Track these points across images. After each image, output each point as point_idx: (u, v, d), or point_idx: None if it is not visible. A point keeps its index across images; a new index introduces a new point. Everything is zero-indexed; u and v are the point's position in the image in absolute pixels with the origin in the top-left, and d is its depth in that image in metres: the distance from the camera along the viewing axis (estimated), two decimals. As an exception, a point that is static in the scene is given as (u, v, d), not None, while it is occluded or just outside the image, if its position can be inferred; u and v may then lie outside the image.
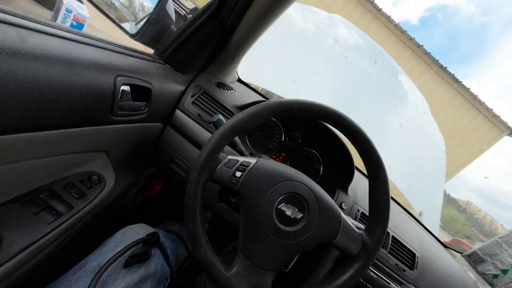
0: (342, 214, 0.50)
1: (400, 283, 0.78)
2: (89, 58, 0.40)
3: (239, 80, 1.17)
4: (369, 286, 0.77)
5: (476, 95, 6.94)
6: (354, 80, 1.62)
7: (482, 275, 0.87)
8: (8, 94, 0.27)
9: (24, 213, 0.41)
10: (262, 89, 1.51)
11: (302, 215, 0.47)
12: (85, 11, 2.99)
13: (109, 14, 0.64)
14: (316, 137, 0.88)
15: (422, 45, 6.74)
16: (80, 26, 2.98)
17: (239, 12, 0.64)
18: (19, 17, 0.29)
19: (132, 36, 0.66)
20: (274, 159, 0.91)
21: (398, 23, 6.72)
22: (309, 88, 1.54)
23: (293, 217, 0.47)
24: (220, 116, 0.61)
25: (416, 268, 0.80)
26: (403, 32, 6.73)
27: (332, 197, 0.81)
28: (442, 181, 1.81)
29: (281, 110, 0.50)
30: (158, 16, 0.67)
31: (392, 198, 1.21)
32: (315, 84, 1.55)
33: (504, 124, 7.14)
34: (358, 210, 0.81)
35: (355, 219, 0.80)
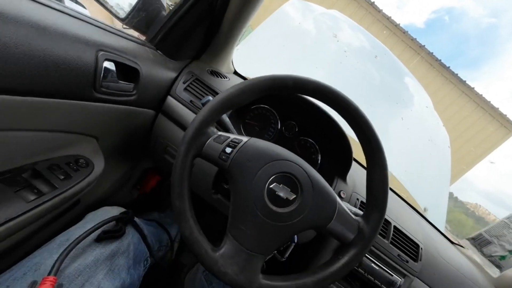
0: (338, 199, 0.48)
1: (404, 275, 0.74)
2: (67, 28, 0.39)
3: (236, 73, 1.16)
4: (371, 278, 0.73)
5: (481, 94, 6.84)
6: (354, 73, 1.60)
7: (488, 257, 0.83)
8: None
9: (2, 190, 0.39)
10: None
11: (295, 196, 0.45)
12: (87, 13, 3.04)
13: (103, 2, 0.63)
14: (313, 126, 0.86)
15: (424, 46, 6.71)
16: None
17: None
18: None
19: (122, 20, 0.65)
20: (270, 148, 0.88)
21: (399, 23, 6.72)
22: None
23: (285, 198, 0.44)
24: (210, 97, 0.60)
25: (420, 260, 0.77)
26: (405, 32, 6.72)
27: (331, 185, 0.79)
28: (448, 176, 1.76)
29: (274, 86, 0.48)
30: (147, 0, 0.67)
31: (395, 192, 1.18)
32: (314, 78, 1.53)
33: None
34: (358, 199, 0.78)
35: None
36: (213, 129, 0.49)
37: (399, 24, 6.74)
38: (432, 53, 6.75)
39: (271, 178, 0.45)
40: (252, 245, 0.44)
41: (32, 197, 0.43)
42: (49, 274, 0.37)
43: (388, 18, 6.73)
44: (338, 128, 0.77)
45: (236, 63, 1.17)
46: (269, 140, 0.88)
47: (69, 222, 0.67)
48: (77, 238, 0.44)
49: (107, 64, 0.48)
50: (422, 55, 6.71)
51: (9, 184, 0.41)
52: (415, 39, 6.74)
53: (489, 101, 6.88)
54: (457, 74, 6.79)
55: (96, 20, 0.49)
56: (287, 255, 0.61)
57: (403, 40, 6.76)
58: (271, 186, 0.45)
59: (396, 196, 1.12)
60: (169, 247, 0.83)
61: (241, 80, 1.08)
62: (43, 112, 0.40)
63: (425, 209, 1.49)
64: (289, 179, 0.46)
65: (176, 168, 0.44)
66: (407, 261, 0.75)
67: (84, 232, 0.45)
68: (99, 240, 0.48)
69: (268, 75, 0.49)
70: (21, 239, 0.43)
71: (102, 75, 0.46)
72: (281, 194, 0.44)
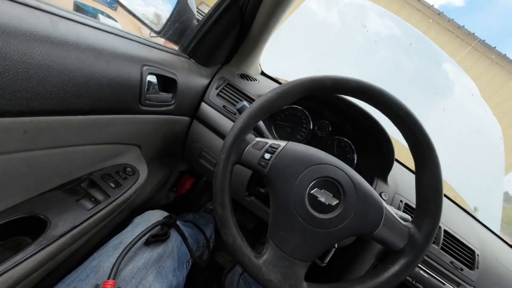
0: (384, 203, 0.45)
1: (458, 284, 0.68)
2: (117, 47, 0.41)
3: (263, 74, 1.15)
4: (420, 286, 0.68)
5: (536, 75, 5.99)
6: (387, 64, 1.50)
7: None
8: (42, 77, 0.29)
9: (66, 200, 0.44)
10: (286, 81, 1.48)
11: (337, 201, 0.43)
12: (119, 27, 3.26)
13: (136, 14, 0.66)
14: (347, 124, 0.82)
15: (463, 26, 6.07)
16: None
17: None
18: (51, 6, 0.31)
19: (158, 33, 0.68)
20: (303, 149, 0.86)
21: (433, 5, 6.15)
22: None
23: (327, 203, 0.43)
24: (245, 103, 0.60)
25: (476, 268, 0.69)
26: (439, 14, 6.14)
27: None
28: (501, 171, 1.58)
29: (313, 87, 0.47)
30: (180, 12, 0.69)
31: (440, 191, 1.08)
32: (343, 73, 1.47)
33: None
34: (401, 201, 0.73)
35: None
36: (251, 135, 0.49)
37: (432, 5, 6.18)
38: (474, 33, 6.08)
39: (312, 183, 0.44)
40: (294, 252, 0.43)
41: (90, 206, 0.47)
42: (108, 277, 0.40)
43: (420, 0, 6.20)
44: (377, 126, 0.72)
45: (262, 63, 1.16)
46: (301, 141, 0.86)
47: (117, 225, 0.72)
48: (130, 242, 0.47)
49: (151, 78, 0.50)
50: (461, 37, 6.08)
51: (72, 193, 0.46)
52: (452, 19, 6.13)
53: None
54: (505, 54, 6.03)
55: (136, 36, 0.51)
56: (327, 260, 0.59)
57: (438, 22, 6.18)
58: (312, 191, 0.43)
59: (443, 196, 1.03)
60: (205, 247, 0.85)
61: (269, 81, 1.07)
62: (99, 128, 0.43)
63: (475, 209, 1.35)
64: (331, 183, 0.44)
65: (217, 176, 0.45)
66: (462, 269, 0.68)
67: (136, 237, 0.48)
68: (147, 243, 0.51)
69: (306, 77, 0.47)
70: (84, 243, 0.48)
71: (146, 89, 0.49)
72: (323, 199, 0.43)
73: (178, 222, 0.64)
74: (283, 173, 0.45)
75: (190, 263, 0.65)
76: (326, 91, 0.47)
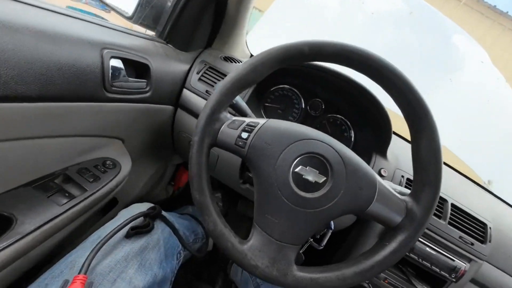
0: (378, 177, 0.40)
1: (469, 260, 0.63)
2: (69, 29, 0.38)
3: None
4: (427, 263, 0.64)
5: (555, 39, 5.59)
6: (386, 37, 1.41)
7: None
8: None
9: (36, 196, 0.42)
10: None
11: (325, 178, 0.39)
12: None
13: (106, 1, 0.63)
14: (341, 100, 0.77)
15: (472, -7, 5.69)
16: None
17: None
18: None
19: (129, 18, 0.64)
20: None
21: (437, -27, 5.78)
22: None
23: (314, 181, 0.39)
24: None
25: (489, 241, 0.64)
26: (445, -18, 5.77)
27: (369, 163, 0.70)
28: (516, 141, 1.48)
29: (289, 55, 0.42)
30: (151, -7, 0.64)
31: (449, 165, 1.02)
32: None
33: None
34: (403, 176, 0.68)
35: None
36: (226, 114, 0.45)
37: (437, -27, 5.80)
38: None
39: (296, 161, 0.40)
40: (282, 235, 0.40)
41: (64, 201, 0.45)
42: (79, 272, 0.38)
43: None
44: (371, 97, 0.67)
45: (253, 48, 1.11)
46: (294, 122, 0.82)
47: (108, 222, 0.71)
48: (106, 235, 0.45)
49: (115, 63, 0.47)
50: (470, 4, 5.71)
51: (43, 190, 0.44)
52: (459, -13, 5.75)
53: None
54: (519, 19, 5.64)
55: (99, 19, 0.48)
56: (324, 243, 0.56)
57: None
58: (296, 169, 0.40)
59: (450, 169, 0.97)
60: (205, 239, 0.84)
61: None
62: (59, 117, 0.40)
63: (489, 182, 1.27)
64: (317, 159, 0.40)
65: (192, 160, 0.42)
66: (472, 244, 0.63)
67: (112, 230, 0.46)
68: (128, 236, 0.48)
69: (280, 45, 0.43)
70: (60, 240, 0.46)
71: (110, 74, 0.46)
72: (309, 177, 0.39)
73: (168, 214, 0.62)
74: (264, 152, 0.41)
75: (182, 255, 0.63)
76: (305, 59, 0.43)
